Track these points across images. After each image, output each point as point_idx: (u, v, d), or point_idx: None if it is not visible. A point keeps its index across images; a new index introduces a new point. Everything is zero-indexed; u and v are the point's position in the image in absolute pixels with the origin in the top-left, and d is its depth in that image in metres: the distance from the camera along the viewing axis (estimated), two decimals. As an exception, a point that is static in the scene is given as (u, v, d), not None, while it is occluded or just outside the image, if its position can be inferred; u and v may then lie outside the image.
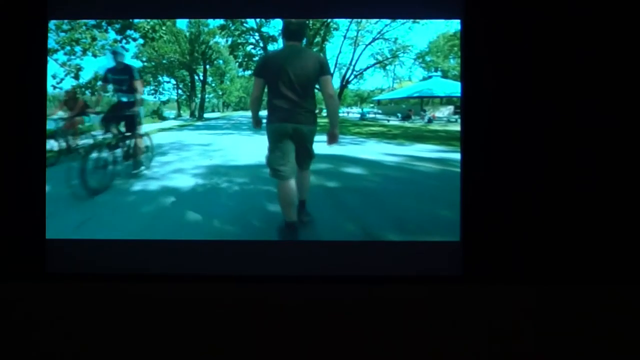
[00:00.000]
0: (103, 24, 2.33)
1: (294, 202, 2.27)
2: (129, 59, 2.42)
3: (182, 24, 2.57)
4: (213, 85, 2.74)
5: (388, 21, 2.34)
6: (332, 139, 2.32)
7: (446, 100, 2.59)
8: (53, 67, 2.31)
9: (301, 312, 2.13)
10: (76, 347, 2.12)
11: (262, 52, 2.54)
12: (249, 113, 2.41)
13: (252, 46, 2.58)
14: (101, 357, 2.12)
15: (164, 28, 2.48)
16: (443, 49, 2.40)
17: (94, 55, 2.37)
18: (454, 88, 2.33)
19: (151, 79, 2.57)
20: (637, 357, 2.07)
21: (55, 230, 2.22)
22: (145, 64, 2.51)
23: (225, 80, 2.75)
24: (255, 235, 2.25)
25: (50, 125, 2.30)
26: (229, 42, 2.57)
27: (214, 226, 2.27)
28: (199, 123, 2.76)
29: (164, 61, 2.58)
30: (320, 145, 2.35)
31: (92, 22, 2.31)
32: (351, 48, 2.46)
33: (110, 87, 2.43)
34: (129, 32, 2.38)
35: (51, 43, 2.25)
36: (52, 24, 2.25)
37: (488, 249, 2.17)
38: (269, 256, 2.22)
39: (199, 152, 2.56)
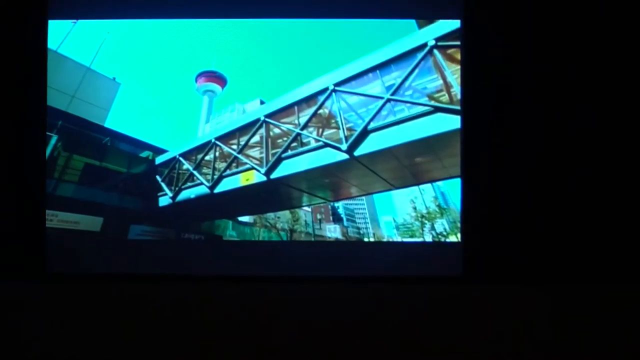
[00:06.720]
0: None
1: None
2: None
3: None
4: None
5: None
6: None
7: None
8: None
9: (301, 312, 2.14)
10: (76, 347, 2.12)
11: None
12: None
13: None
14: (101, 356, 2.12)
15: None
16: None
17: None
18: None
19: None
20: (638, 357, 2.08)
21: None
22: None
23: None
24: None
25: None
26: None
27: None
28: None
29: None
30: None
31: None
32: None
33: None
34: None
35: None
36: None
37: (488, 249, 2.17)
38: (270, 256, 2.22)
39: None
